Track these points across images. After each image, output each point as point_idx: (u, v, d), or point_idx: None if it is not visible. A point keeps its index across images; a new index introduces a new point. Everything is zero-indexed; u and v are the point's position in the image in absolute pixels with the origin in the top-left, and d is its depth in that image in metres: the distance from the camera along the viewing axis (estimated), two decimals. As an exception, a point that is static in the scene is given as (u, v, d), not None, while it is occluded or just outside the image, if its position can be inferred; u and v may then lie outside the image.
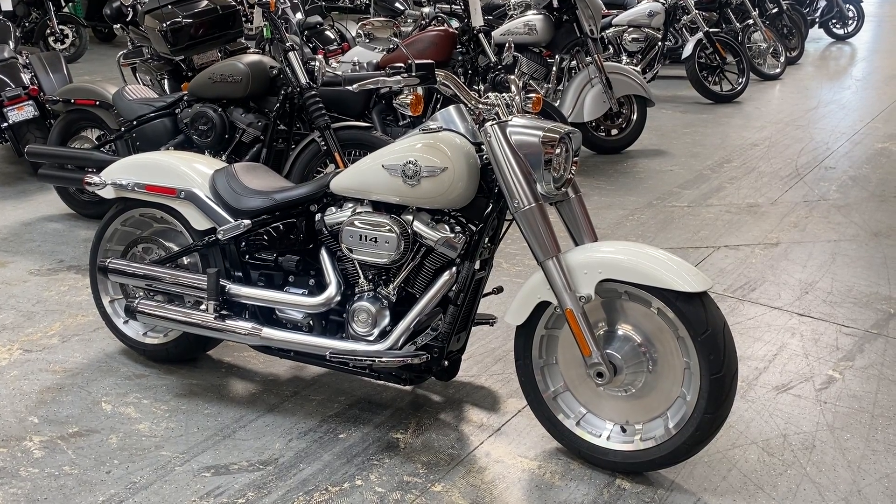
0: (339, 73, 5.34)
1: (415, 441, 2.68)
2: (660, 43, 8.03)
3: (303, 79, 4.15)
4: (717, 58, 8.20)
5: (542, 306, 2.50)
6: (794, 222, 4.79)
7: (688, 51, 8.10)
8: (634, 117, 6.28)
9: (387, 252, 2.57)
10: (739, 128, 7.24)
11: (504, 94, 2.54)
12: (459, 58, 5.22)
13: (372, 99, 4.73)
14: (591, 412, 2.56)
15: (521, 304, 2.52)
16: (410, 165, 2.49)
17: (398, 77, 2.37)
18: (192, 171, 2.96)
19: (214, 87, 4.30)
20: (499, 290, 2.94)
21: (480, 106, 2.48)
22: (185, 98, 4.45)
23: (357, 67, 5.34)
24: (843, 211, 4.97)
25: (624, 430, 2.51)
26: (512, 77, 2.73)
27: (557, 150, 2.42)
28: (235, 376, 3.10)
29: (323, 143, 4.13)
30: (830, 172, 5.80)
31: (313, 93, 4.14)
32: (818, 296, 3.78)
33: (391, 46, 2.43)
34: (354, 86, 2.34)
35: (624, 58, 7.88)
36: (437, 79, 2.42)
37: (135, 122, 4.48)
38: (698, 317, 2.29)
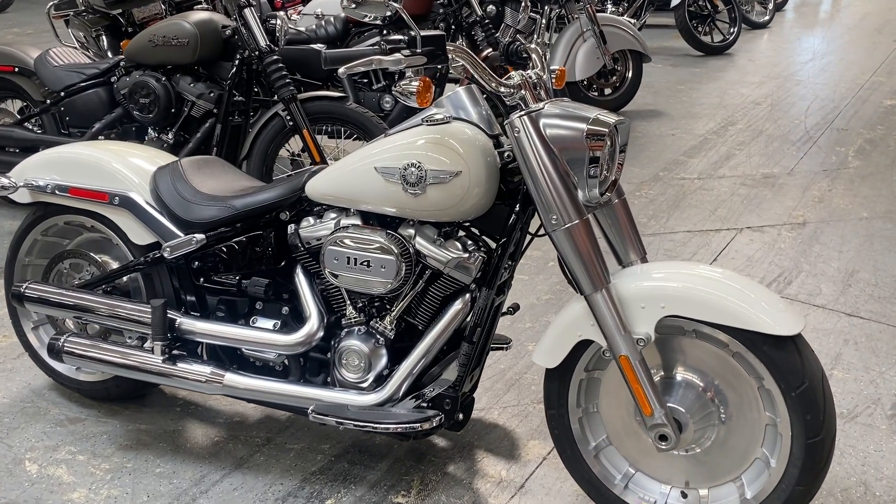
0: (303, 29, 4.68)
1: (421, 507, 2.16)
2: (647, -10, 7.44)
3: (262, 41, 3.49)
4: (709, 5, 7.64)
5: (582, 345, 1.97)
6: (818, 196, 4.31)
7: (677, -2, 7.52)
8: (629, 75, 5.72)
9: (382, 280, 2.00)
10: (736, 83, 6.72)
11: (530, 72, 1.97)
12: (440, 11, 4.60)
13: (342, 60, 4.09)
14: (642, 471, 2.06)
15: (555, 343, 1.98)
16: (413, 170, 1.91)
17: (399, 56, 1.77)
18: (128, 168, 2.34)
19: (156, 51, 3.62)
20: (515, 308, 2.40)
21: (502, 89, 1.90)
22: (121, 64, 3.76)
23: (323, 22, 4.68)
24: (868, 182, 4.51)
25: (685, 496, 2.01)
26: (533, 45, 2.14)
27: (605, 146, 1.86)
28: (193, 417, 2.53)
29: (288, 117, 3.50)
30: (844, 135, 5.33)
31: (275, 57, 3.49)
32: (863, 289, 3.32)
33: (389, 14, 1.81)
34: (341, 69, 1.74)
35: (609, 6, 7.27)
36: (449, 55, 1.83)
37: (63, 94, 3.79)
38: (792, 366, 1.78)
